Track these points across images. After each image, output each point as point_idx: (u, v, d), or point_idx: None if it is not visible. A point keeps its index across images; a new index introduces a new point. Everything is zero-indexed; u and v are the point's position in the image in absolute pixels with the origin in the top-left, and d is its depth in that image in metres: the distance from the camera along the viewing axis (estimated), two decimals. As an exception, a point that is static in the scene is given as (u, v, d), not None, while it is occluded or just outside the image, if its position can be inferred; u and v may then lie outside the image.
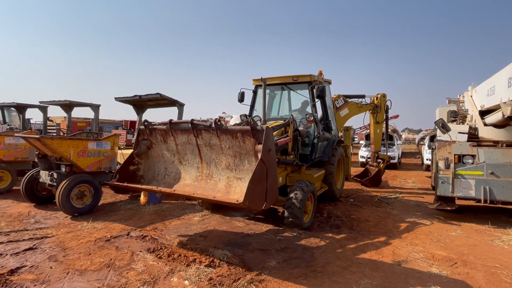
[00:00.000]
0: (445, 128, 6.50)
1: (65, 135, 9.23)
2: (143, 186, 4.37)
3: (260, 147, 3.65)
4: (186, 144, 4.48)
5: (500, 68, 5.54)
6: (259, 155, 3.62)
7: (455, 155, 5.77)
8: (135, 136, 4.94)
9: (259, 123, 6.61)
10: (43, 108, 10.10)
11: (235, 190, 4.09)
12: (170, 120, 4.38)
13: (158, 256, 4.10)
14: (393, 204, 7.37)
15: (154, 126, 4.60)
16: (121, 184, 4.53)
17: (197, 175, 4.50)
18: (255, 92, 7.32)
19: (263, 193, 3.68)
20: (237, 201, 3.46)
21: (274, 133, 5.36)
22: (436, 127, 6.80)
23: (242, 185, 4.04)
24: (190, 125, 4.19)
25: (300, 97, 7.26)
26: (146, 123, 4.72)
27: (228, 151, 4.10)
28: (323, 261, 4.03)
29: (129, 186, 4.45)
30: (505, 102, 5.16)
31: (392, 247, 4.57)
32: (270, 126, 5.38)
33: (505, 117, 5.44)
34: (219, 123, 3.96)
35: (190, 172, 4.59)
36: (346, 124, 8.87)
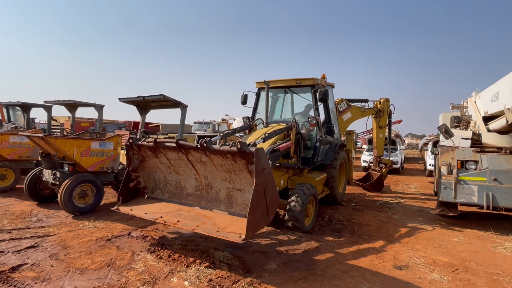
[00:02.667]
0: (448, 134, 6.47)
1: (68, 134, 9.29)
2: (148, 217, 4.25)
3: (252, 167, 3.56)
4: (178, 160, 4.43)
5: (504, 74, 5.52)
6: (254, 178, 3.54)
7: (458, 160, 5.74)
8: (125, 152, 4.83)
9: (261, 125, 6.63)
10: (47, 108, 10.19)
11: (237, 201, 4.13)
12: (155, 139, 4.31)
13: (159, 256, 4.11)
14: (395, 209, 7.33)
15: (141, 143, 4.52)
16: (127, 210, 4.52)
17: (197, 184, 4.52)
18: (258, 95, 7.34)
19: (265, 212, 3.69)
20: (239, 236, 3.46)
21: (276, 137, 5.34)
22: (439, 132, 6.76)
23: (243, 196, 4.07)
24: (175, 145, 4.09)
25: (303, 100, 7.27)
26: (131, 140, 4.61)
27: (221, 168, 4.05)
28: (324, 265, 4.02)
29: (135, 214, 4.43)
30: (509, 108, 5.13)
31: (393, 252, 4.55)
32: (273, 130, 5.36)
33: (509, 123, 5.40)
34: (204, 144, 3.78)
35: (189, 182, 4.59)
36: (349, 128, 8.86)
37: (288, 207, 5.05)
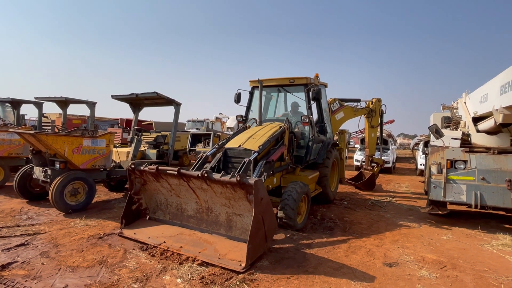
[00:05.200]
0: (438, 134, 6.58)
1: (60, 131, 9.19)
2: (152, 242, 4.32)
3: (251, 197, 3.77)
4: (179, 186, 4.56)
5: (493, 75, 5.63)
6: (252, 207, 3.73)
7: (447, 160, 5.84)
8: (127, 177, 4.95)
9: (255, 124, 6.65)
10: (38, 104, 10.05)
11: (236, 225, 4.27)
12: (157, 167, 4.46)
13: (151, 254, 4.10)
14: (386, 207, 7.43)
15: (143, 168, 4.65)
16: (130, 233, 4.60)
17: (197, 207, 4.64)
18: (251, 93, 7.35)
19: (263, 238, 3.92)
20: (240, 264, 3.64)
21: (269, 145, 5.32)
22: (430, 132, 6.88)
23: (242, 220, 4.22)
24: (177, 173, 4.25)
25: (296, 99, 7.31)
26: (133, 166, 4.75)
27: (221, 195, 4.20)
28: (315, 262, 4.06)
29: (139, 238, 4.49)
30: (497, 109, 5.24)
31: (383, 250, 4.62)
32: (266, 139, 5.30)
33: (497, 124, 5.53)
34: (205, 174, 3.98)
35: (190, 205, 4.72)
36: (342, 127, 8.94)
37: (280, 205, 5.09)
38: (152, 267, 3.77)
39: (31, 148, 6.39)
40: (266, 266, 3.87)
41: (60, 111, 9.61)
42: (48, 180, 5.95)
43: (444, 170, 5.82)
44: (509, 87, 4.75)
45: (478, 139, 6.73)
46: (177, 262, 3.87)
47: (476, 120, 6.83)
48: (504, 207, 5.52)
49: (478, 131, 6.75)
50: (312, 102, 6.55)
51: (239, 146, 5.23)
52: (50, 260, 3.89)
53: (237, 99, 6.98)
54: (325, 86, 7.60)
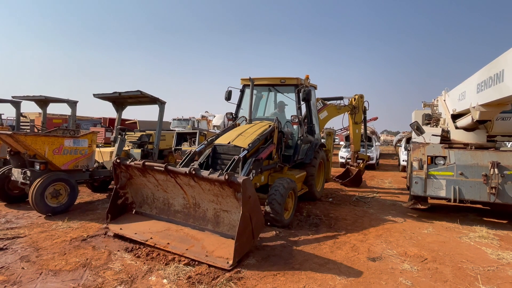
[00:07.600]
0: (419, 131, 6.77)
1: (39, 131, 8.90)
2: (138, 238, 4.28)
3: (239, 195, 3.77)
4: (166, 181, 4.51)
5: (471, 73, 5.84)
6: (240, 206, 3.74)
7: (428, 156, 6.03)
8: (112, 171, 4.87)
9: (244, 122, 6.66)
10: (16, 103, 9.69)
11: (224, 221, 4.27)
12: (144, 162, 4.40)
13: (136, 255, 4.05)
14: (370, 203, 7.60)
15: (129, 163, 4.57)
16: (116, 228, 4.53)
17: (184, 203, 4.60)
18: (242, 92, 7.34)
19: (250, 235, 3.94)
20: (227, 262, 3.64)
21: (258, 144, 5.35)
22: (412, 129, 7.07)
23: (229, 217, 4.21)
24: (164, 169, 4.20)
25: (286, 99, 7.37)
26: (119, 160, 4.67)
27: (209, 192, 4.18)
28: (301, 259, 4.12)
29: (125, 234, 4.42)
30: (474, 107, 5.45)
31: (367, 245, 4.73)
32: (256, 137, 5.33)
33: (474, 121, 5.75)
34: (193, 172, 3.95)
35: (177, 200, 4.66)
36: (326, 125, 9.04)
37: (268, 200, 5.13)
38: (138, 268, 3.72)
39: (9, 149, 6.16)
40: (253, 264, 3.89)
41: (40, 111, 9.32)
42: (28, 182, 5.76)
43: (425, 166, 6.00)
44: (485, 85, 4.94)
45: (457, 135, 6.98)
46: (163, 263, 3.83)
47: (455, 117, 7.08)
48: (480, 201, 5.75)
49: (456, 127, 6.99)
50: (302, 102, 6.60)
51: (229, 143, 5.24)
52: (31, 265, 3.78)
53: (228, 97, 6.98)
54: (315, 88, 7.68)
